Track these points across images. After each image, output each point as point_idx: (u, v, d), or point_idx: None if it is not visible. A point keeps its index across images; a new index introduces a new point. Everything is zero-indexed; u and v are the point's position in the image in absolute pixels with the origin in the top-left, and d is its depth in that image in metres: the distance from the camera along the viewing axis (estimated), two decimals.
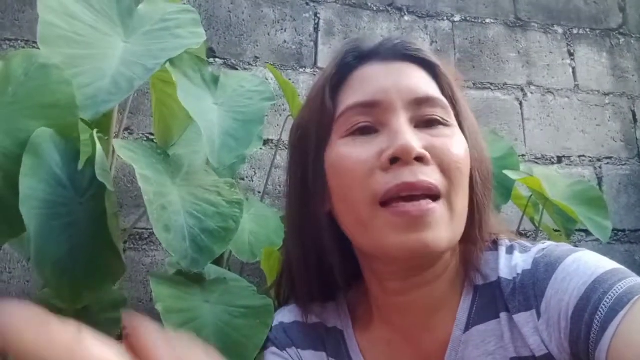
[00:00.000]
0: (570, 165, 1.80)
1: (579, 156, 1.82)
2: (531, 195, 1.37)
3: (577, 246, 1.75)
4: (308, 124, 0.64)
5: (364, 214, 0.56)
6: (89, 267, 0.71)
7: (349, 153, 0.58)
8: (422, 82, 0.61)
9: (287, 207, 0.69)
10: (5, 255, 1.28)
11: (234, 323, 0.69)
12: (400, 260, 0.57)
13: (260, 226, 1.08)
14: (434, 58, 0.64)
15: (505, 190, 1.28)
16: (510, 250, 0.63)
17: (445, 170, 0.56)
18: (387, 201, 0.55)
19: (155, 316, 1.33)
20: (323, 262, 0.65)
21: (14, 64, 0.74)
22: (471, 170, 0.60)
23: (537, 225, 1.43)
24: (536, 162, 1.77)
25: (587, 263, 0.54)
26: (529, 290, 0.57)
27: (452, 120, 0.61)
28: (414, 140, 0.55)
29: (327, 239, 0.63)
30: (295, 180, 0.66)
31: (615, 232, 1.76)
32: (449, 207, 0.56)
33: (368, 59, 0.63)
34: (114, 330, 0.81)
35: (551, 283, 0.55)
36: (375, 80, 0.60)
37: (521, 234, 1.62)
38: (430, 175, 0.55)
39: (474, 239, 0.61)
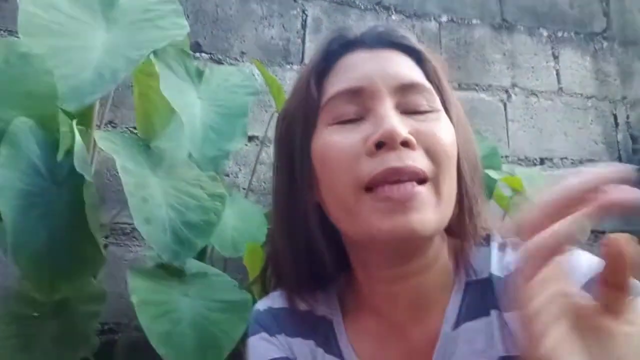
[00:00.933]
0: (552, 167, 1.83)
1: (561, 158, 1.84)
2: (513, 195, 1.38)
3: None
4: (294, 114, 0.63)
5: (349, 200, 0.56)
6: (67, 258, 0.70)
7: (334, 140, 0.58)
8: (407, 69, 0.60)
9: (275, 197, 0.68)
10: None
11: (211, 317, 0.69)
12: (387, 245, 0.56)
13: (244, 222, 1.07)
14: (418, 45, 0.63)
15: (487, 189, 1.29)
16: (502, 246, 0.62)
17: (431, 154, 0.56)
18: (372, 186, 0.54)
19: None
20: (311, 253, 0.64)
21: None
22: (458, 156, 0.59)
23: None
24: (519, 164, 1.79)
25: (579, 262, 0.53)
26: None
27: (438, 106, 0.60)
28: (400, 125, 0.55)
29: (315, 228, 0.62)
30: (282, 170, 0.65)
31: (595, 234, 1.78)
32: (435, 190, 0.55)
33: (353, 47, 0.62)
34: (93, 324, 0.80)
35: None
36: (360, 67, 0.60)
37: None
38: (416, 160, 0.54)
39: (465, 228, 0.60)
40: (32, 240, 0.68)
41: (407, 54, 0.62)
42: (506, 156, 1.76)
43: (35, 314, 0.79)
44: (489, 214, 0.65)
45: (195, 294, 0.73)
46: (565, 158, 1.84)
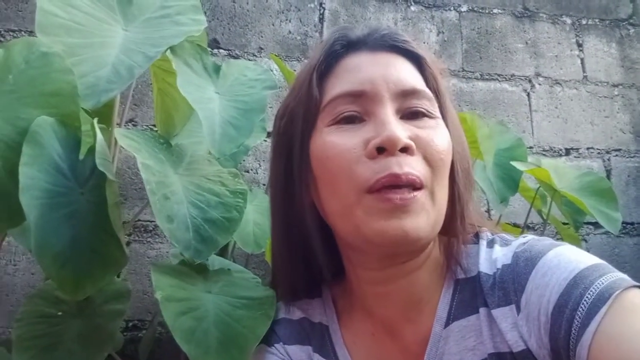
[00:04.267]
0: (578, 157, 1.78)
1: (587, 148, 1.80)
2: (539, 187, 1.35)
3: (585, 240, 1.72)
4: (294, 112, 0.64)
5: (348, 200, 0.57)
6: (91, 258, 0.70)
7: (335, 141, 0.58)
8: (408, 74, 0.61)
9: (271, 196, 0.70)
10: (10, 248, 1.28)
11: (235, 314, 0.69)
12: (380, 247, 0.57)
13: (265, 217, 1.07)
14: (420, 50, 0.64)
15: (513, 181, 1.27)
16: (490, 243, 0.63)
17: (429, 161, 0.57)
18: (373, 190, 0.55)
19: (160, 308, 1.32)
20: (307, 254, 0.66)
21: (15, 52, 0.73)
22: (452, 162, 0.61)
23: (544, 217, 1.41)
24: (544, 154, 1.75)
25: (568, 258, 0.54)
26: (509, 285, 0.57)
27: (437, 112, 0.61)
28: (400, 130, 0.56)
29: (311, 226, 0.64)
30: (280, 169, 0.66)
31: (624, 225, 1.74)
32: (430, 197, 0.56)
33: (355, 48, 0.63)
34: (118, 322, 0.80)
35: (531, 278, 0.55)
36: (362, 69, 0.61)
37: (529, 227, 1.61)
38: (414, 167, 0.56)
39: (455, 230, 0.61)
40: (56, 240, 0.68)
41: (408, 59, 0.63)
42: (530, 147, 1.72)
43: (60, 313, 0.80)
44: (477, 213, 0.67)
45: (218, 290, 0.73)
46: (592, 148, 1.80)
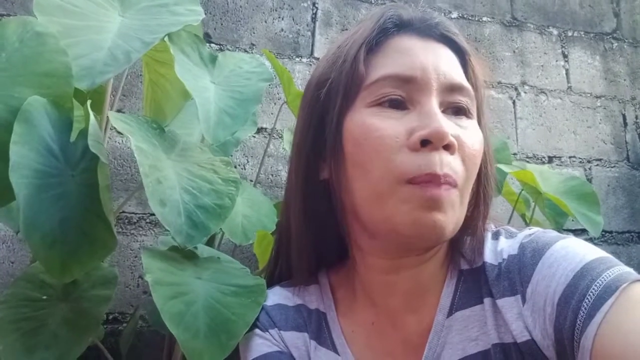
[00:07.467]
0: (560, 165, 1.82)
1: (570, 157, 1.84)
2: (522, 191, 1.37)
3: None
4: (333, 83, 0.61)
5: (383, 188, 0.55)
6: (80, 240, 0.69)
7: (376, 125, 0.56)
8: (456, 69, 0.60)
9: (290, 170, 0.67)
10: None
11: (225, 300, 0.68)
12: (406, 237, 0.56)
13: (253, 210, 1.07)
14: (468, 46, 0.63)
15: (498, 184, 1.28)
16: (495, 235, 0.63)
17: (465, 161, 0.56)
18: (410, 182, 0.54)
19: (142, 301, 1.30)
20: (315, 233, 0.65)
21: (9, 30, 0.72)
22: (482, 163, 0.60)
23: (527, 221, 1.43)
24: (527, 161, 1.78)
25: (575, 250, 0.54)
26: (515, 275, 0.57)
27: (474, 111, 0.60)
28: (448, 125, 0.55)
29: (324, 206, 0.63)
30: (305, 139, 0.63)
31: (603, 233, 1.78)
32: (460, 197, 0.56)
33: (406, 30, 0.61)
34: (103, 308, 0.79)
35: (538, 268, 0.55)
36: (414, 54, 0.59)
37: None
38: (454, 167, 0.55)
39: (477, 230, 0.61)
40: (44, 221, 0.67)
41: (455, 52, 0.61)
42: (514, 154, 1.75)
43: (45, 297, 0.78)
44: None
45: (208, 277, 0.72)
46: (574, 157, 1.84)
